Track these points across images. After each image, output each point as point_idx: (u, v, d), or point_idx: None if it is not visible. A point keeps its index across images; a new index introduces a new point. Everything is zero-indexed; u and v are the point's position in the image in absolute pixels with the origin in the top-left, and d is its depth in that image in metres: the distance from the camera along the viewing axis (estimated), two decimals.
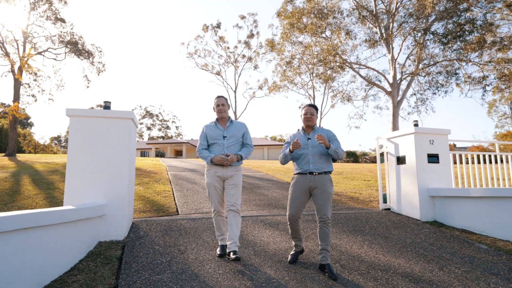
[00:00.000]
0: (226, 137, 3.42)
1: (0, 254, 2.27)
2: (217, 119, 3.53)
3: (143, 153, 47.40)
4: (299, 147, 3.14)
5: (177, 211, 5.15)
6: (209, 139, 3.45)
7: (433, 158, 5.37)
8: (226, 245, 3.34)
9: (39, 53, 21.86)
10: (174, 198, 5.94)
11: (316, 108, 3.42)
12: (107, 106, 4.04)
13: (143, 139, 71.32)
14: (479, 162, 6.15)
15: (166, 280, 2.78)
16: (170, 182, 7.43)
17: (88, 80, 22.66)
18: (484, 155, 6.21)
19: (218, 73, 40.00)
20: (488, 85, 17.72)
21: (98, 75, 22.82)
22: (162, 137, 70.95)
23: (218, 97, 3.50)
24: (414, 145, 5.31)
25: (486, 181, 6.25)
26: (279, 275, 2.97)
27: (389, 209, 5.82)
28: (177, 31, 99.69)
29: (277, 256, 3.44)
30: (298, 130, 3.48)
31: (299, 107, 34.47)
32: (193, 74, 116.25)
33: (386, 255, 3.58)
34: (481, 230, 4.48)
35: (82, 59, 22.47)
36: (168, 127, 74.15)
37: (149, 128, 72.44)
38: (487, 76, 18.05)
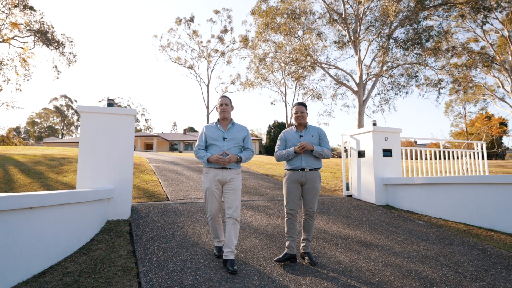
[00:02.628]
0: (226, 138, 3.27)
1: (43, 224, 2.86)
2: (218, 119, 3.38)
3: None
4: (303, 149, 3.29)
5: (167, 197, 5.77)
6: (208, 140, 3.29)
7: (387, 152, 6.38)
8: (222, 247, 3.28)
9: (4, 41, 21.06)
10: (162, 187, 6.54)
11: (306, 106, 3.51)
12: (110, 103, 4.59)
13: None
14: (426, 158, 7.27)
15: (174, 246, 3.48)
16: (155, 173, 7.97)
17: (58, 71, 22.12)
18: (430, 151, 7.35)
19: (190, 67, 40.01)
20: (442, 88, 19.50)
21: (69, 66, 22.33)
22: None
23: (223, 96, 3.37)
24: (372, 141, 6.28)
25: (431, 172, 7.39)
26: (263, 242, 3.76)
27: (351, 195, 6.79)
28: (149, 23, 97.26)
29: (259, 230, 4.22)
30: (289, 127, 3.84)
31: (271, 103, 35.48)
32: (165, 67, 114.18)
33: (346, 229, 4.48)
34: (421, 211, 5.53)
35: (51, 49, 21.88)
36: (137, 120, 72.70)
37: None
38: (442, 80, 19.86)
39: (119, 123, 4.43)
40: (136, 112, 4.60)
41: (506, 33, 23.51)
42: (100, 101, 76.55)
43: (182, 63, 39.81)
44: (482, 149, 7.95)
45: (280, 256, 3.25)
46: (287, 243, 3.30)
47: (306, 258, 3.28)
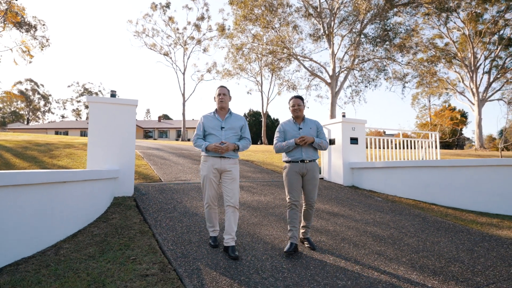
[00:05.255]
0: (224, 128, 3.35)
1: (72, 195, 3.48)
2: (216, 109, 3.48)
3: (83, 133, 45.23)
4: (305, 143, 3.36)
5: (160, 179, 6.40)
6: (206, 129, 3.37)
7: (354, 141, 7.33)
8: (217, 237, 3.41)
9: None
10: (153, 170, 7.14)
11: (302, 99, 3.53)
12: (113, 94, 5.14)
13: (81, 118, 67.40)
14: (388, 147, 8.32)
15: (177, 216, 4.18)
16: (143, 158, 8.52)
17: (30, 56, 21.47)
18: (390, 140, 8.40)
19: (166, 54, 39.54)
20: (407, 82, 20.98)
21: (42, 50, 21.74)
22: None
23: (221, 86, 3.46)
24: (341, 130, 7.19)
25: (392, 158, 8.46)
26: (250, 213, 4.56)
27: (322, 178, 7.72)
28: (124, 8, 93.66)
29: (246, 204, 5.01)
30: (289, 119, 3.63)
31: (248, 92, 36.16)
32: (140, 53, 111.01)
33: (317, 204, 5.36)
34: (381, 190, 6.54)
35: (22, 32, 21.17)
36: None
37: (87, 107, 68.54)
38: (407, 74, 21.36)
39: (122, 112, 5.01)
40: (137, 102, 5.17)
41: (466, 31, 25.41)
42: (69, 86, 73.73)
43: (158, 49, 39.27)
44: (435, 139, 9.14)
45: (287, 248, 3.20)
46: (290, 233, 3.31)
47: (305, 242, 3.48)
